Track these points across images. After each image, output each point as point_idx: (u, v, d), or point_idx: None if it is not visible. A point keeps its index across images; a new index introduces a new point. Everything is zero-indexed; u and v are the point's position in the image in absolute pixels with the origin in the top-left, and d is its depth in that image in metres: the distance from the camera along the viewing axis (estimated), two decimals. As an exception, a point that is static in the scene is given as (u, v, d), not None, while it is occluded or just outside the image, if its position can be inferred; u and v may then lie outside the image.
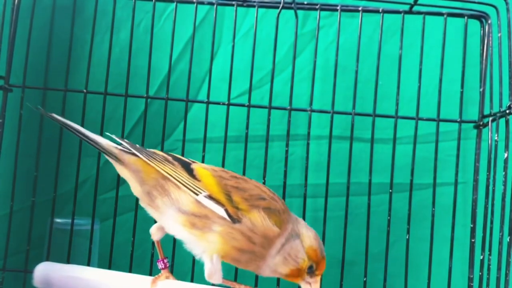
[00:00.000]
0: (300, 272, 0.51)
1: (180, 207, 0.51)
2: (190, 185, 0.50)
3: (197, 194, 0.50)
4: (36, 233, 0.70)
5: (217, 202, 0.50)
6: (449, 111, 0.68)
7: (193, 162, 0.55)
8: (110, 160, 0.54)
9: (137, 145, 0.54)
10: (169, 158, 0.53)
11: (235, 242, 0.50)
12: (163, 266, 0.56)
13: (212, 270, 0.50)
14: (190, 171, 0.52)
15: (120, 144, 0.54)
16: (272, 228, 0.50)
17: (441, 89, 0.66)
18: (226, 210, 0.50)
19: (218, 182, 0.51)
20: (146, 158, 0.52)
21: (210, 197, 0.50)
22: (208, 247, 0.50)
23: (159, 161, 0.52)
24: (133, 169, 0.53)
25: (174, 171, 0.51)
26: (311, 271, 0.52)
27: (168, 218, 0.51)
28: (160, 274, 0.56)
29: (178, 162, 0.53)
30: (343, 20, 0.74)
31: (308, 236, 0.52)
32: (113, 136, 0.55)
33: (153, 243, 0.67)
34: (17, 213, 0.74)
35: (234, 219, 0.49)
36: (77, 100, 0.73)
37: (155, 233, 0.56)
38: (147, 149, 0.55)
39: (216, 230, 0.50)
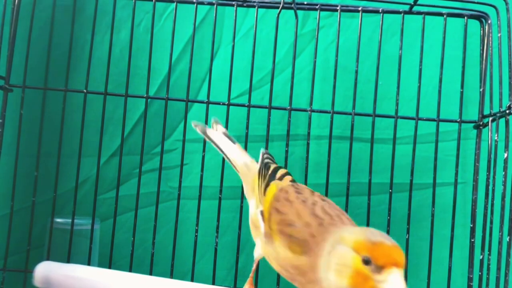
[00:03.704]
0: (362, 275, 0.41)
1: (250, 212, 0.56)
2: (258, 198, 0.54)
3: (257, 207, 0.53)
4: (36, 233, 0.71)
5: (263, 218, 0.51)
6: (449, 111, 0.68)
7: (285, 177, 0.54)
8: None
9: (270, 159, 0.57)
10: (272, 171, 0.55)
11: (273, 262, 0.49)
12: None
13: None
14: (266, 186, 0.53)
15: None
16: (296, 257, 0.46)
17: (441, 89, 0.66)
18: (264, 228, 0.50)
19: (271, 200, 0.51)
20: (260, 167, 0.55)
21: (262, 213, 0.52)
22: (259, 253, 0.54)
23: (263, 174, 0.55)
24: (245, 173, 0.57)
25: (260, 183, 0.54)
26: (370, 265, 0.41)
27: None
28: None
29: (272, 177, 0.54)
30: (343, 20, 0.74)
31: (349, 234, 0.43)
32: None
33: (153, 242, 0.67)
34: (18, 213, 0.74)
35: (268, 238, 0.50)
36: (77, 100, 0.73)
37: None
38: (278, 165, 0.57)
39: (259, 243, 0.53)
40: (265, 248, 0.50)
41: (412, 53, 0.75)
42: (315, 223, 0.46)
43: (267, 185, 0.53)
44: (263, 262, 0.57)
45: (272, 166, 0.55)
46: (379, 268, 0.41)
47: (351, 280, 0.42)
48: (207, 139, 0.60)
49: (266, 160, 0.56)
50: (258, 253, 0.55)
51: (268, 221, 0.50)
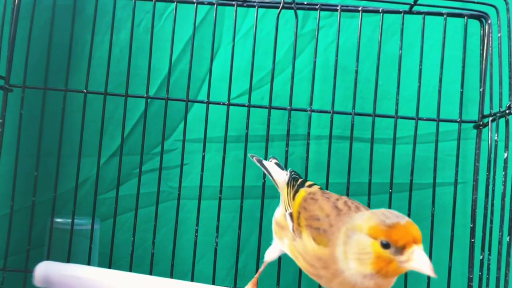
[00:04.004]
0: (385, 259, 0.42)
1: (276, 216, 0.57)
2: (287, 203, 0.55)
3: (286, 210, 0.54)
4: (36, 232, 0.71)
5: (292, 218, 0.52)
6: (449, 111, 0.68)
7: (312, 186, 0.56)
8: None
9: (297, 175, 0.60)
10: (301, 182, 0.57)
11: (299, 259, 0.50)
12: None
13: None
14: (296, 192, 0.55)
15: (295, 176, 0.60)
16: (320, 248, 0.47)
17: (441, 89, 0.66)
18: (293, 226, 0.51)
19: (299, 202, 0.53)
20: (288, 179, 0.58)
21: (291, 214, 0.53)
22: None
23: (291, 184, 0.57)
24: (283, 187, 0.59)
25: (289, 191, 0.56)
26: (389, 248, 0.42)
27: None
28: None
29: (299, 186, 0.56)
30: (343, 20, 0.74)
31: (362, 221, 0.44)
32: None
33: (153, 242, 0.67)
34: (18, 213, 0.74)
35: (296, 234, 0.51)
36: (77, 100, 0.73)
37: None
38: (304, 179, 0.58)
39: (286, 243, 0.53)
40: (292, 245, 0.51)
41: (412, 53, 0.75)
42: (334, 214, 0.48)
43: (296, 192, 0.55)
44: (263, 262, 0.57)
45: (300, 180, 0.57)
46: (400, 249, 0.42)
47: (374, 265, 0.43)
48: (261, 167, 0.62)
49: (294, 175, 0.58)
50: (271, 256, 0.57)
51: (297, 219, 0.51)
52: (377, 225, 0.43)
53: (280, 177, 0.60)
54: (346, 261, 0.44)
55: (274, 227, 0.56)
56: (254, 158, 0.63)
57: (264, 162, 0.63)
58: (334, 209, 0.48)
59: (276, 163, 0.63)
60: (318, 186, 0.56)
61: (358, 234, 0.44)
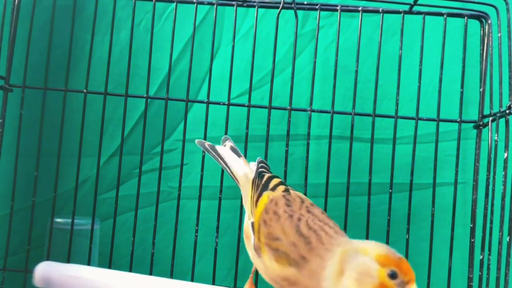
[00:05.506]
0: (385, 286, 0.43)
1: (244, 223, 0.55)
2: (250, 209, 0.53)
3: (249, 218, 0.53)
4: (36, 233, 0.71)
5: (253, 230, 0.51)
6: (449, 111, 0.68)
7: (278, 187, 0.53)
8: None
9: (265, 168, 0.57)
10: (266, 181, 0.54)
11: (263, 274, 0.49)
12: None
13: None
14: (259, 197, 0.53)
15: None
16: (282, 268, 0.46)
17: (441, 89, 0.66)
18: (254, 240, 0.50)
19: (261, 212, 0.51)
20: (254, 177, 0.55)
21: (253, 224, 0.51)
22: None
23: (256, 183, 0.54)
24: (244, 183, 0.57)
25: (253, 194, 0.54)
26: (395, 279, 0.43)
27: None
28: None
29: (265, 187, 0.53)
30: (343, 20, 0.74)
31: (366, 246, 0.44)
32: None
33: (153, 242, 0.67)
34: (18, 213, 0.74)
35: (257, 250, 0.50)
36: (77, 100, 0.73)
37: None
38: (272, 174, 0.56)
39: (250, 254, 0.52)
40: (254, 260, 0.51)
41: (412, 53, 0.75)
42: (302, 243, 0.46)
43: (259, 196, 0.53)
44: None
45: (266, 176, 0.54)
46: (404, 283, 0.43)
47: None
48: (213, 154, 0.59)
49: (260, 170, 0.55)
50: None
51: (258, 233, 0.50)
52: (387, 254, 0.44)
53: (239, 168, 0.57)
54: (339, 279, 0.44)
55: (244, 234, 0.55)
56: (205, 144, 0.59)
57: (218, 148, 0.59)
58: (300, 237, 0.46)
59: (231, 148, 0.59)
60: (284, 187, 0.53)
61: (364, 257, 0.44)
